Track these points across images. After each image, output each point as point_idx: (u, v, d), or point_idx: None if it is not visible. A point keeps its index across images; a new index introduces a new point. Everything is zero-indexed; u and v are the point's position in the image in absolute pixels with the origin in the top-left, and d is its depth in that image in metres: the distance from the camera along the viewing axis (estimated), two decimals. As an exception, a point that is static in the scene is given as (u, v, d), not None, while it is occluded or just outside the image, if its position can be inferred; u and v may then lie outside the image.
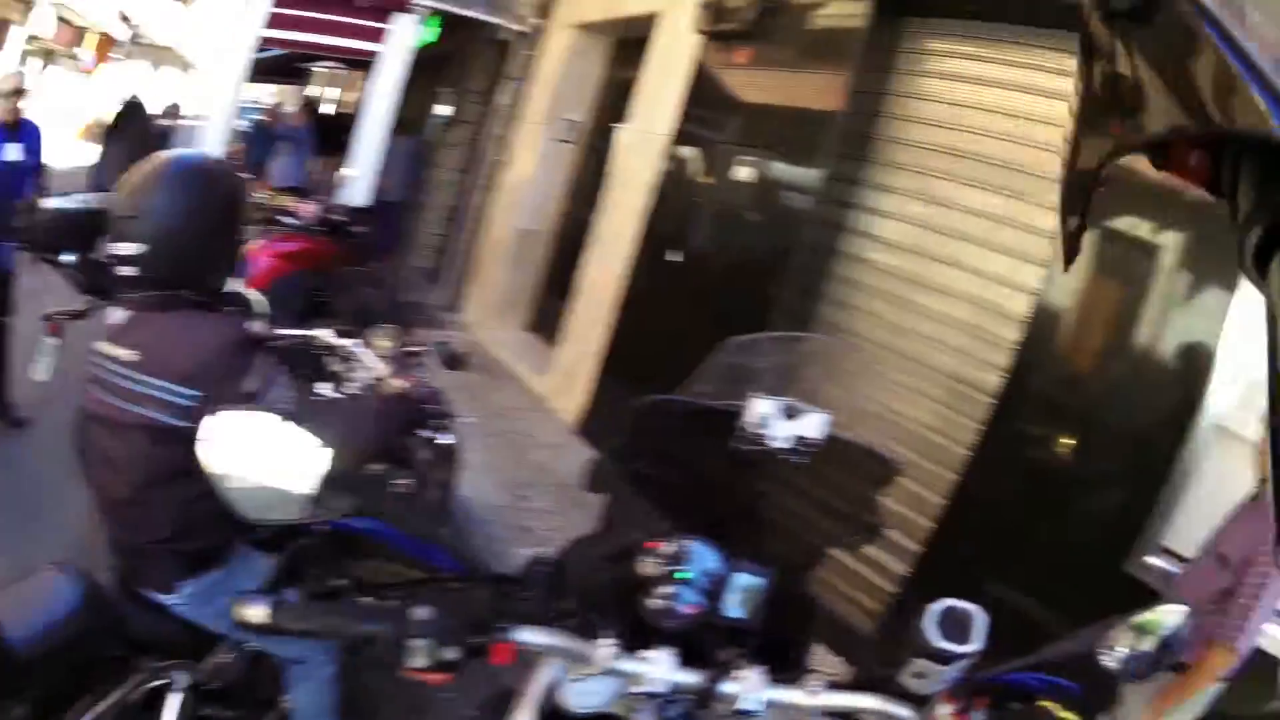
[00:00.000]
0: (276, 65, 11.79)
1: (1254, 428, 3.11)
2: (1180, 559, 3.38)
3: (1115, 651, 1.49)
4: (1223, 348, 3.41)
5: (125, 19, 29.50)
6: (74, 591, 2.23)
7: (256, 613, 1.48)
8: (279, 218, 6.46)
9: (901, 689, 1.37)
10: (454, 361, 3.71)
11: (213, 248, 2.41)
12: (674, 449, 1.93)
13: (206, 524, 2.22)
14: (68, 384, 4.74)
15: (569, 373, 7.16)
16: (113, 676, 2.32)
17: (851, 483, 1.99)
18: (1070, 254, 0.85)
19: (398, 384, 3.07)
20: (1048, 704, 1.46)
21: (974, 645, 1.34)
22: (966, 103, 4.61)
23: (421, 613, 1.39)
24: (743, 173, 5.61)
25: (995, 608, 3.46)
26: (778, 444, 1.71)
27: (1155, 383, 3.65)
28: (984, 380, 4.17)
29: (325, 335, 3.38)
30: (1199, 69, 0.55)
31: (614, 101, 8.57)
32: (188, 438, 2.17)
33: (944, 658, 1.33)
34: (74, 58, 26.90)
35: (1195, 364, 3.50)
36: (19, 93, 5.59)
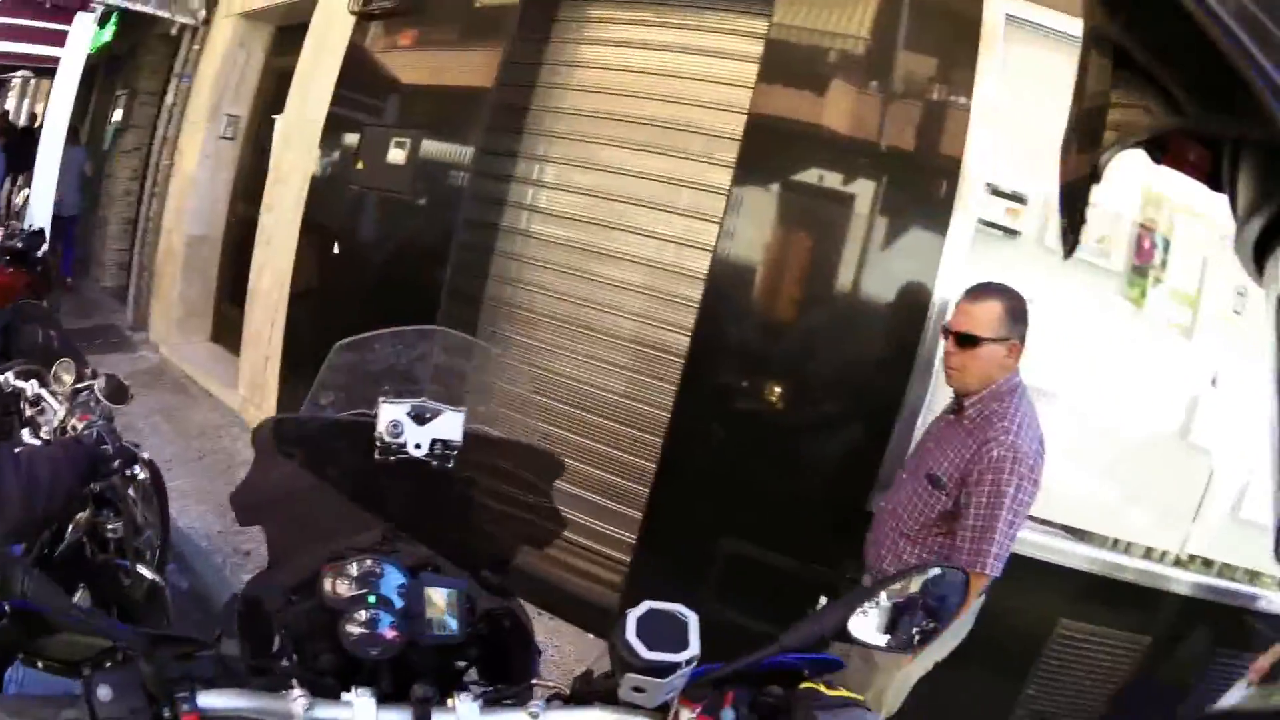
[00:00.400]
0: None
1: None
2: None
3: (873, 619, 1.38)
4: (939, 285, 3.45)
5: None
6: None
7: None
8: None
9: (624, 702, 1.26)
10: (116, 394, 3.50)
11: None
12: (313, 467, 1.84)
13: None
14: None
15: (255, 382, 6.81)
16: None
17: (518, 479, 1.93)
18: (1070, 247, 0.83)
19: (75, 425, 3.06)
20: (814, 684, 1.35)
21: (689, 651, 1.20)
22: (630, 67, 4.54)
23: (104, 693, 1.25)
24: (398, 155, 5.40)
25: (734, 562, 3.45)
26: (416, 450, 1.69)
27: (863, 325, 3.69)
28: (671, 341, 4.15)
29: (10, 379, 3.34)
30: (1199, 62, 0.54)
31: (275, 92, 8.13)
32: None
33: (657, 670, 1.19)
34: None
35: (907, 302, 3.55)
36: None
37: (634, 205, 4.39)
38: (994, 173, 3.51)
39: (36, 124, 17.34)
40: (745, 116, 3.95)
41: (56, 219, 9.76)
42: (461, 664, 1.49)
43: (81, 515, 3.28)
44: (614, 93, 4.56)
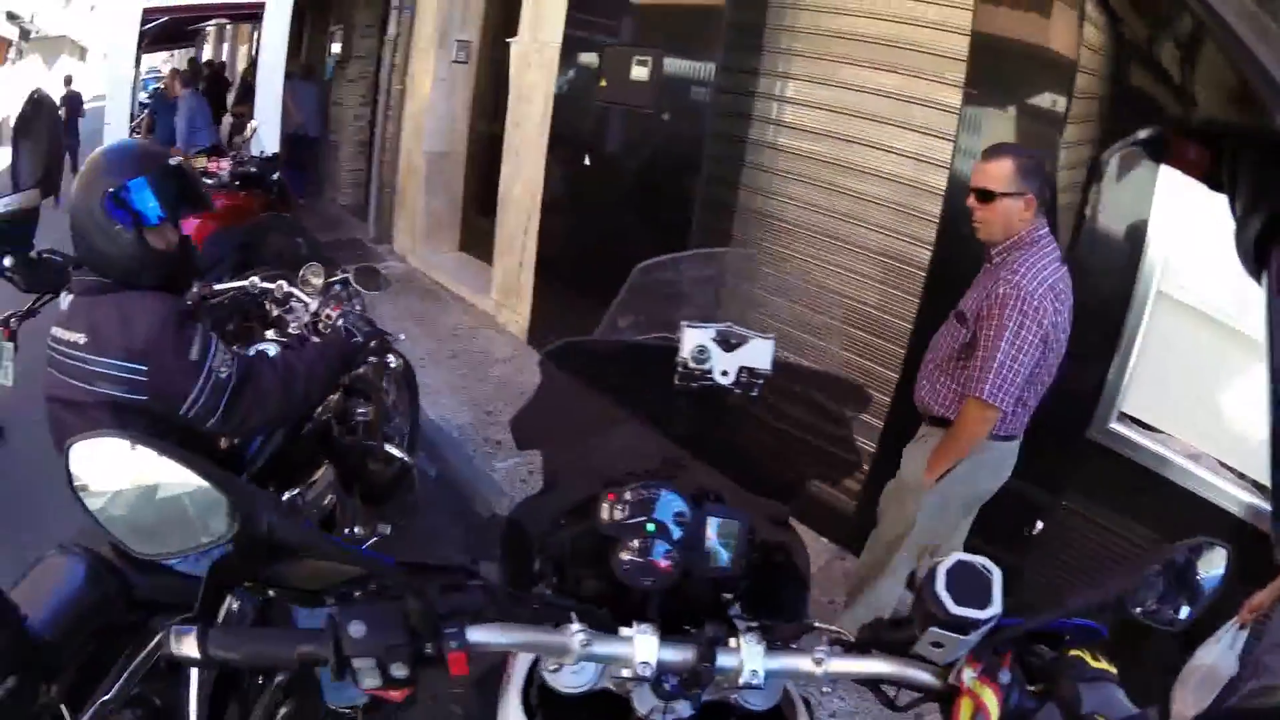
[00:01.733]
0: (166, 32, 11.40)
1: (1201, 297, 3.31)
2: (1144, 426, 3.50)
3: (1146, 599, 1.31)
4: (1154, 221, 3.41)
5: (12, 16, 28.53)
6: (78, 568, 2.31)
7: (188, 644, 1.26)
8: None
9: (916, 654, 1.20)
10: (370, 280, 3.75)
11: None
12: (606, 391, 1.75)
13: None
14: (22, 389, 4.78)
15: (508, 287, 7.25)
16: (133, 638, 2.37)
17: (815, 411, 1.83)
18: (1071, 246, 0.85)
19: (330, 314, 3.23)
20: (1079, 652, 1.25)
21: (993, 609, 1.13)
22: None
23: (356, 629, 1.20)
24: (641, 72, 5.58)
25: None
26: (722, 378, 1.56)
27: (1089, 244, 3.60)
28: (912, 254, 4.18)
29: (257, 282, 3.49)
30: (1199, 61, 0.55)
31: (501, 16, 8.48)
32: (146, 409, 2.40)
33: (962, 626, 1.13)
34: None
35: (1133, 237, 3.51)
36: None
37: (872, 121, 4.41)
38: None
39: (240, 67, 18.33)
40: (968, 37, 3.91)
41: (299, 140, 10.66)
42: (728, 596, 1.41)
43: (332, 398, 3.54)
44: (843, 11, 4.59)
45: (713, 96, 5.11)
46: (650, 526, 1.31)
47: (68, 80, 18.14)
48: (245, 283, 3.53)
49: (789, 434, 1.77)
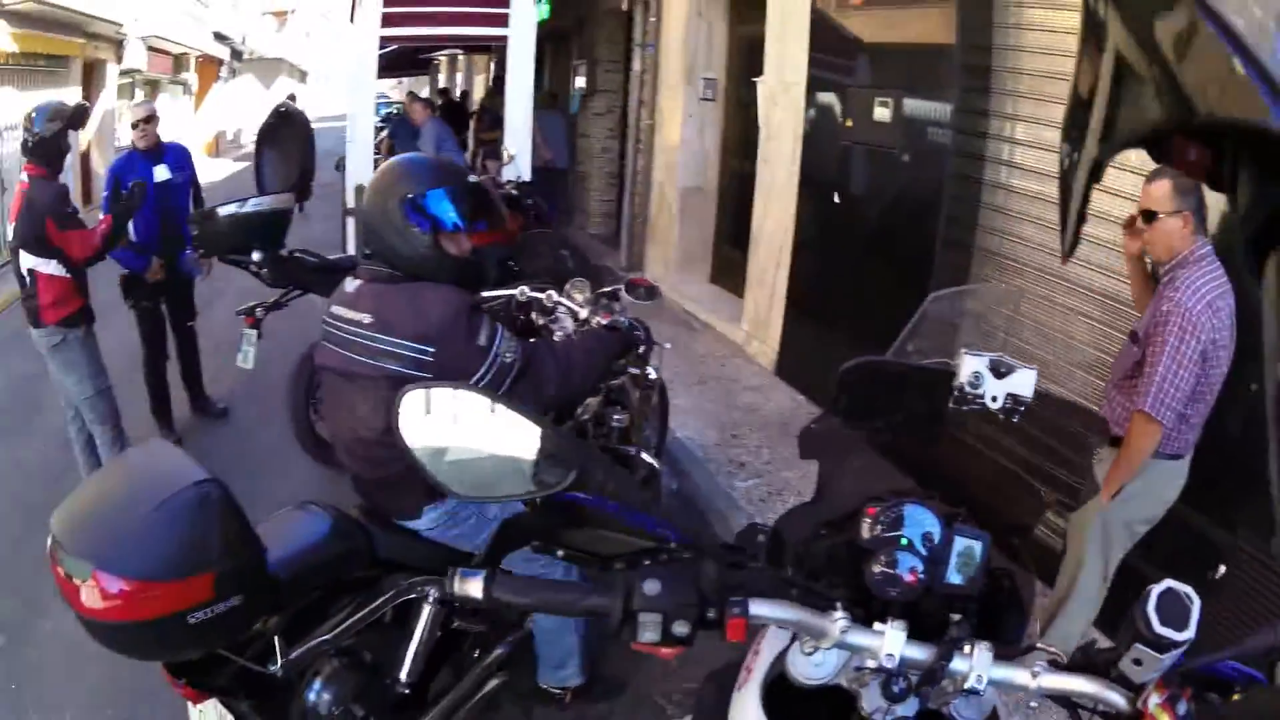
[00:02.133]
0: (398, 60, 12.26)
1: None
2: None
3: None
4: None
5: (221, 37, 30.38)
6: (323, 522, 2.55)
7: (473, 586, 1.44)
8: None
9: (1118, 673, 1.29)
10: (647, 293, 4.06)
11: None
12: (888, 409, 1.93)
13: None
14: (256, 373, 5.49)
15: (758, 318, 7.58)
16: (364, 593, 2.57)
17: (1059, 441, 1.93)
18: (1070, 246, 0.80)
19: (600, 322, 3.43)
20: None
21: (1190, 633, 1.23)
22: (1065, 28, 4.66)
23: (651, 587, 1.35)
24: (883, 113, 5.83)
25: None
26: (991, 403, 1.69)
27: None
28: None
29: (526, 291, 3.70)
30: (1197, 59, 0.55)
31: (744, 55, 8.90)
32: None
33: (1162, 645, 1.23)
34: (181, 83, 27.72)
35: None
36: (151, 119, 6.06)
37: None
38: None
39: (468, 95, 19.28)
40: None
41: (548, 171, 11.17)
42: (956, 617, 1.46)
43: (591, 402, 3.77)
44: (1057, 52, 4.73)
45: (950, 137, 5.33)
46: (904, 540, 1.42)
47: (291, 98, 19.83)
48: (515, 291, 3.74)
49: (1032, 462, 1.87)
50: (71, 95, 16.62)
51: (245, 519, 2.14)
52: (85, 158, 19.05)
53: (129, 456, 2.64)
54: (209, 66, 31.15)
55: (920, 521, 1.44)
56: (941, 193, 5.38)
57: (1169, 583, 1.26)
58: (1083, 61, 0.69)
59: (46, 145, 4.99)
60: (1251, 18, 0.53)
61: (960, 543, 1.44)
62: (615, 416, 3.92)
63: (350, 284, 2.80)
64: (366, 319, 2.64)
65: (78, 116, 5.38)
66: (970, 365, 1.67)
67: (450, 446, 1.62)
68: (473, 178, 3.02)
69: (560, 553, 1.85)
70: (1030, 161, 4.96)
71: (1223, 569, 3.36)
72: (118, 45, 20.17)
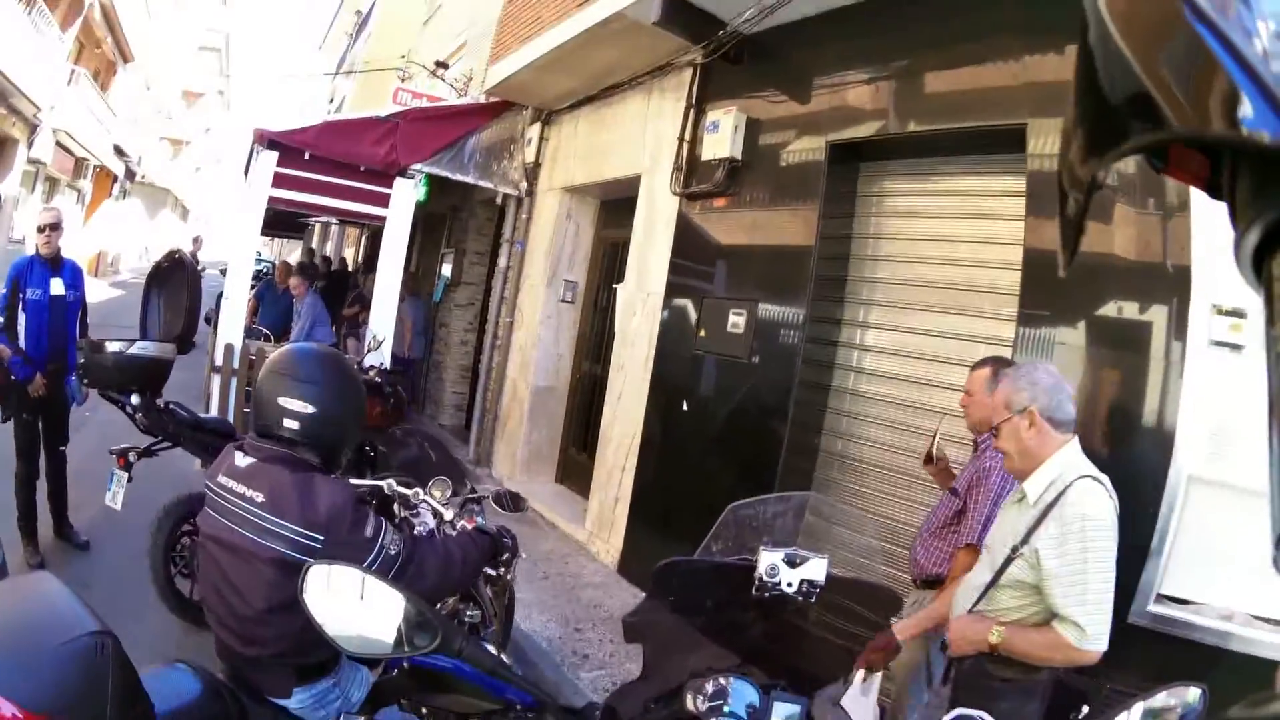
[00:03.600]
0: (274, 218, 12.38)
1: (1232, 472, 3.62)
2: (1180, 602, 3.73)
3: None
4: (1187, 401, 3.76)
5: (120, 152, 30.38)
6: (198, 684, 2.47)
7: None
8: None
9: None
10: (513, 503, 4.09)
11: (352, 427, 2.89)
12: (697, 600, 2.17)
13: (319, 641, 2.28)
14: (119, 513, 5.37)
15: (603, 519, 7.61)
16: None
17: (860, 613, 2.24)
18: (1069, 258, 0.79)
19: (465, 526, 3.42)
20: None
21: None
22: (922, 235, 5.17)
23: None
24: (737, 322, 6.13)
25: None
26: (787, 588, 1.95)
27: (1127, 443, 3.99)
28: None
29: (394, 484, 3.69)
30: (1195, 69, 0.55)
31: (608, 259, 9.33)
32: None
33: None
34: (75, 189, 27.69)
35: (1158, 428, 3.86)
36: (57, 228, 5.97)
37: (939, 362, 4.96)
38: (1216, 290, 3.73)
39: (347, 267, 19.49)
40: (1019, 272, 4.38)
41: (401, 359, 11.24)
42: None
43: (450, 599, 3.92)
44: (910, 260, 5.19)
45: (801, 344, 5.60)
46: (726, 709, 1.59)
47: (197, 241, 19.77)
48: (382, 483, 3.75)
49: (836, 633, 2.16)
50: None
51: (136, 675, 2.13)
52: None
53: (20, 586, 2.55)
54: (104, 179, 31.22)
55: (741, 693, 1.63)
56: (789, 398, 5.60)
57: (960, 711, 1.51)
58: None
59: None
60: (1249, 26, 0.53)
61: (780, 709, 1.62)
62: (469, 612, 4.02)
63: (241, 458, 2.76)
64: (259, 497, 2.63)
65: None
66: (767, 559, 1.97)
67: (343, 614, 1.95)
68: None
69: (424, 710, 2.16)
70: (878, 366, 5.27)
71: (1085, 709, 3.43)
72: (31, 129, 20.26)
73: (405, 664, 2.67)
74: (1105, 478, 3.10)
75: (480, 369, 11.30)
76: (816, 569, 1.98)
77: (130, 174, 34.83)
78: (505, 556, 3.43)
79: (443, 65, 14.68)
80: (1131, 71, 0.59)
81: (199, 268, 16.54)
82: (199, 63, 45.41)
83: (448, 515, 3.56)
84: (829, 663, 2.22)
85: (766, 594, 1.98)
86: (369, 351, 7.90)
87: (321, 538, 2.55)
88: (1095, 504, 3.02)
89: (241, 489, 2.66)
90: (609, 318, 8.50)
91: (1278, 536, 0.62)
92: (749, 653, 1.99)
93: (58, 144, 22.73)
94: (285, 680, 2.69)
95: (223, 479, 2.72)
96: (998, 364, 3.80)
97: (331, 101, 34.42)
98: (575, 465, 9.07)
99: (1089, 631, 3.00)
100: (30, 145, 20.77)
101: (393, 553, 2.66)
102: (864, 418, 5.36)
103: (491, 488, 8.46)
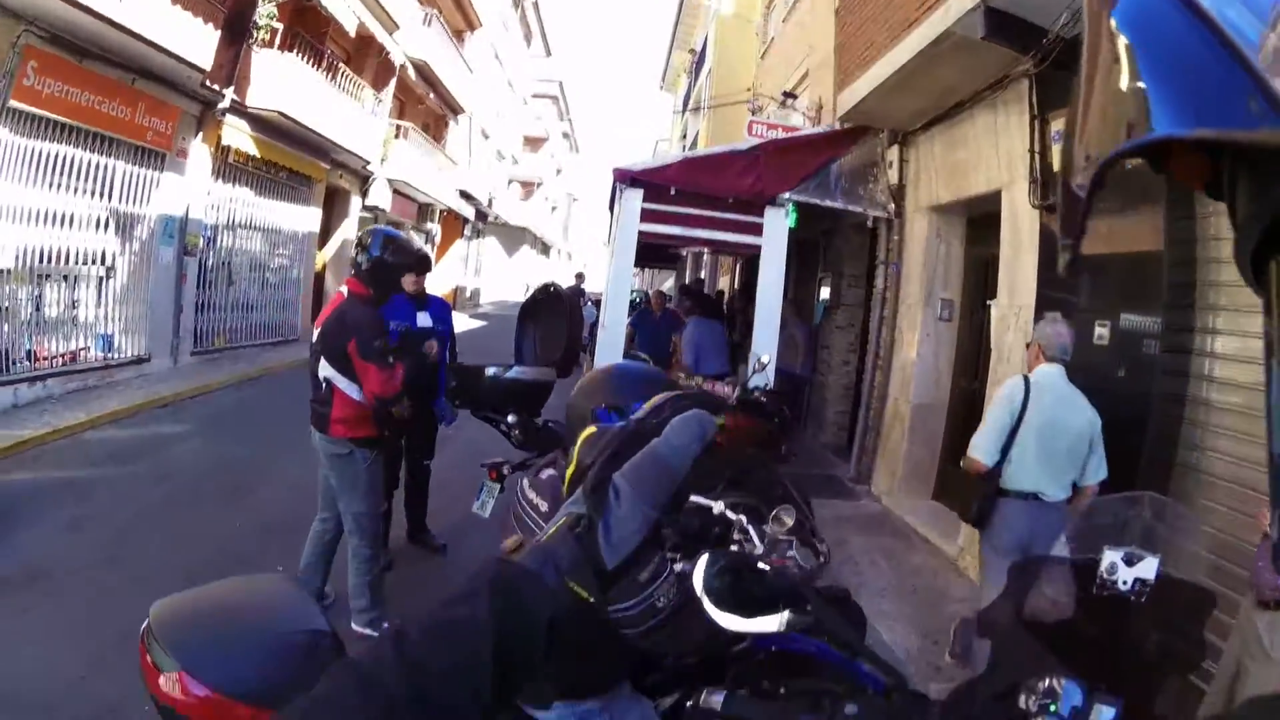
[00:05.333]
0: (645, 249, 12.92)
1: None
2: None
3: None
4: None
5: (467, 196, 32.80)
6: None
7: (715, 700, 1.92)
8: None
9: None
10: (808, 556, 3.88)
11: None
12: (1049, 598, 2.21)
13: (585, 653, 2.31)
14: (482, 522, 5.79)
15: (973, 535, 7.17)
16: None
17: (1178, 615, 2.17)
18: (1071, 262, 0.81)
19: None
20: None
21: None
22: None
23: (850, 709, 1.70)
24: (1102, 334, 6.09)
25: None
26: (1123, 587, 2.00)
27: None
28: None
29: (723, 509, 3.42)
30: (1193, 69, 0.56)
31: (978, 276, 9.33)
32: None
33: None
34: (425, 231, 30.13)
35: None
36: (424, 266, 6.25)
37: None
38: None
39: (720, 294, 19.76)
40: None
41: (795, 377, 11.57)
42: None
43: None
44: None
45: (1160, 354, 5.52)
46: (1051, 708, 1.67)
47: (580, 276, 21.18)
48: (713, 503, 3.49)
49: (1158, 637, 2.14)
50: (313, 215, 19.36)
51: None
52: (320, 278, 21.57)
53: (257, 582, 2.56)
54: (453, 221, 33.92)
55: (1070, 694, 1.69)
56: (1149, 411, 5.51)
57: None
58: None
59: (379, 274, 5.35)
60: (1248, 28, 0.54)
61: (1099, 710, 1.67)
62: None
63: (545, 471, 2.80)
64: (544, 507, 2.67)
65: (423, 264, 5.90)
66: (1109, 557, 2.02)
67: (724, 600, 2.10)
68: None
69: (782, 690, 2.18)
70: (1229, 375, 5.11)
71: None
72: (362, 180, 22.64)
73: (771, 646, 2.61)
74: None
75: (862, 388, 11.49)
76: (1149, 567, 2.01)
77: (481, 215, 37.21)
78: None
79: (790, 95, 14.95)
80: (1131, 70, 0.61)
81: (583, 300, 17.79)
82: (535, 110, 48.30)
83: (758, 550, 3.18)
84: (1142, 665, 2.17)
85: (1105, 592, 2.01)
86: (754, 374, 7.91)
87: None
88: None
89: (532, 497, 2.73)
90: (984, 334, 8.49)
91: (1276, 542, 0.76)
92: (1080, 652, 1.97)
93: (395, 191, 24.88)
94: (548, 689, 2.56)
95: (523, 486, 2.82)
96: None
97: (684, 138, 35.32)
98: (952, 481, 9.03)
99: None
100: (364, 195, 23.03)
101: (659, 605, 2.36)
102: (1216, 428, 5.18)
103: (871, 505, 8.68)
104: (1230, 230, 0.66)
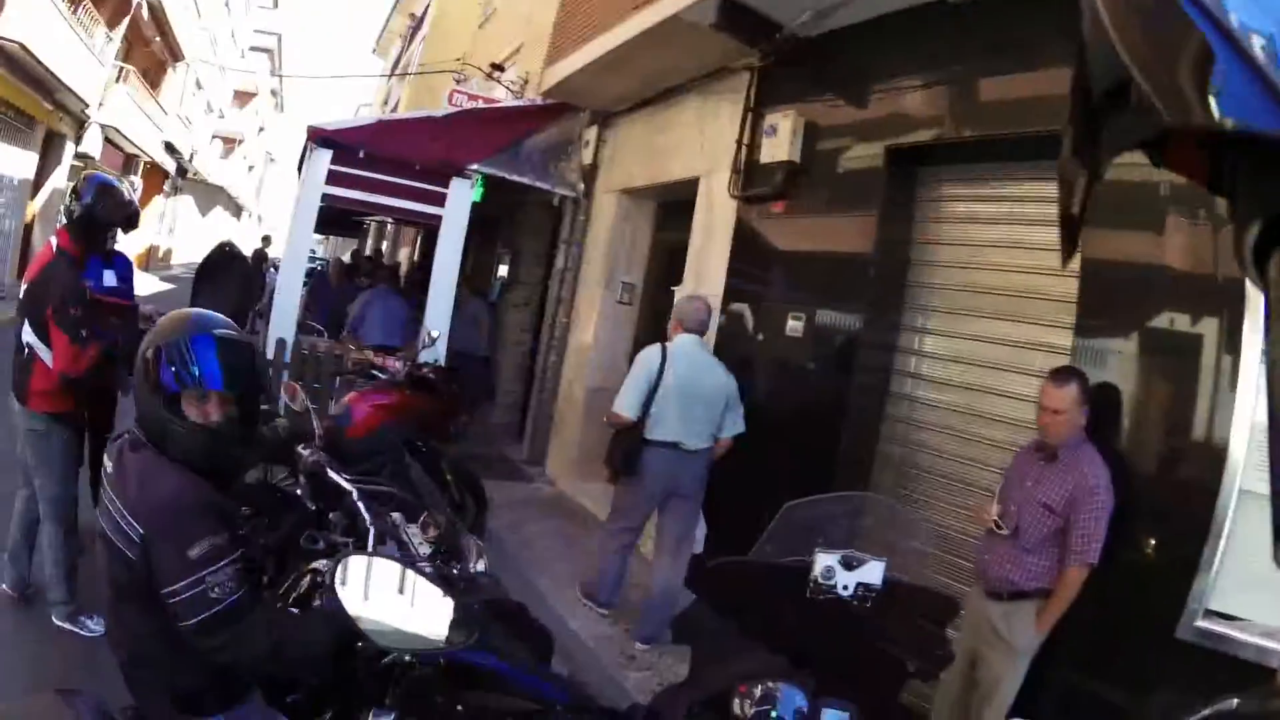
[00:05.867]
0: (329, 216, 12.43)
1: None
2: (1227, 618, 3.73)
3: None
4: (1240, 414, 3.75)
5: (171, 149, 31.07)
6: (89, 713, 2.18)
7: None
8: (373, 372, 7.17)
9: None
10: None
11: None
12: (748, 602, 2.19)
13: (176, 660, 2.22)
14: None
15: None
16: None
17: (916, 619, 2.22)
18: (1068, 251, 0.80)
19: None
20: None
21: None
22: (980, 241, 5.20)
23: None
24: (796, 327, 6.20)
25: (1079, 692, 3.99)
26: (843, 591, 1.95)
27: (1179, 455, 4.02)
28: None
29: (356, 497, 3.15)
30: (1195, 62, 0.54)
31: (665, 262, 9.39)
32: (138, 572, 2.28)
33: None
34: (129, 183, 28.24)
35: (1214, 432, 3.83)
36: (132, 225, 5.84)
37: (997, 369, 4.99)
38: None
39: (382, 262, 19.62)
40: (1078, 279, 4.39)
41: (463, 356, 11.17)
42: None
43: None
44: (968, 266, 5.23)
45: (859, 350, 5.68)
46: (773, 715, 1.61)
47: (266, 240, 20.20)
48: (352, 488, 3.25)
49: (891, 641, 2.16)
50: (30, 159, 17.89)
51: None
52: (28, 229, 19.68)
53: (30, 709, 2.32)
54: (155, 176, 31.75)
55: (790, 698, 1.64)
56: (846, 404, 5.67)
57: None
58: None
59: (92, 227, 4.90)
60: (1250, 20, 0.54)
61: (829, 714, 1.63)
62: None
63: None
64: (113, 479, 2.45)
65: (133, 219, 5.38)
66: (823, 561, 1.97)
67: (381, 608, 1.97)
68: (220, 332, 2.56)
69: (459, 707, 2.09)
70: (936, 372, 5.35)
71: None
72: (79, 125, 20.84)
73: (441, 660, 2.44)
74: None
75: (535, 369, 11.42)
76: (873, 572, 1.98)
77: (182, 171, 35.39)
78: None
79: (498, 68, 14.76)
80: (1128, 64, 0.61)
81: (267, 266, 16.86)
82: (250, 63, 46.11)
83: (423, 551, 2.86)
84: (883, 669, 2.19)
85: (821, 597, 1.97)
86: (423, 349, 7.83)
87: (141, 531, 2.28)
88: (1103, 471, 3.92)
89: (109, 468, 2.50)
90: (665, 320, 8.52)
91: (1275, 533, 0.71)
92: (799, 657, 1.97)
93: (106, 140, 23.23)
94: (162, 709, 2.40)
95: (106, 463, 2.56)
96: (1081, 379, 3.97)
97: (386, 104, 34.87)
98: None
99: None
100: (79, 141, 21.29)
101: (213, 595, 2.23)
102: (921, 424, 5.42)
103: (544, 488, 8.58)
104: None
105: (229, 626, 2.23)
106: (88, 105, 20.14)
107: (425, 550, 2.82)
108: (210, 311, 2.67)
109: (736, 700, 1.67)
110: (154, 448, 2.45)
